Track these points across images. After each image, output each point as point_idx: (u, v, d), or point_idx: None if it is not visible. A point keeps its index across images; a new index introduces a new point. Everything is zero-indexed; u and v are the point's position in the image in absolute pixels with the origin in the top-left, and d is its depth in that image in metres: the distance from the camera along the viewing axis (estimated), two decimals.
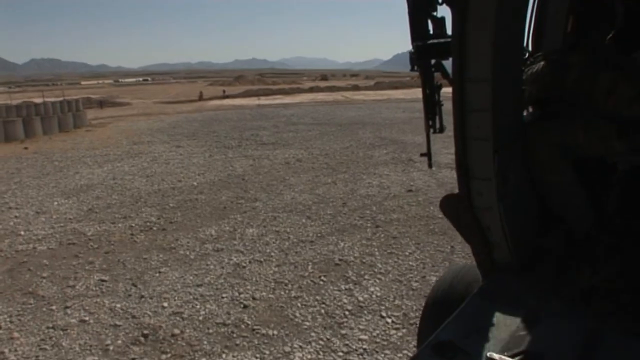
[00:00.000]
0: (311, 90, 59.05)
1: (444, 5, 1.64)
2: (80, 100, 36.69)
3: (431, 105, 1.91)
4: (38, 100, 36.28)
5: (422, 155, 2.20)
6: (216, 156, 19.43)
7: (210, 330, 6.77)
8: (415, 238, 9.83)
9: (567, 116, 1.90)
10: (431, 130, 1.95)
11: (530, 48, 2.39)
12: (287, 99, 46.41)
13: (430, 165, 2.19)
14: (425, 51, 1.81)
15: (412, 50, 1.82)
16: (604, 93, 1.80)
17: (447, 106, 1.68)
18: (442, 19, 1.81)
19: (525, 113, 2.06)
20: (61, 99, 35.18)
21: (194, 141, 24.08)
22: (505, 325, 1.62)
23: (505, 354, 1.55)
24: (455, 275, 2.39)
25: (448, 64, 1.75)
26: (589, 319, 1.66)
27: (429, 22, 1.81)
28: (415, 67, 1.86)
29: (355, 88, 59.47)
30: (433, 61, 1.84)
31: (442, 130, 1.94)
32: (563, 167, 1.92)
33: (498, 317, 1.65)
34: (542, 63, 2.03)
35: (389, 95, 46.33)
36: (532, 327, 1.63)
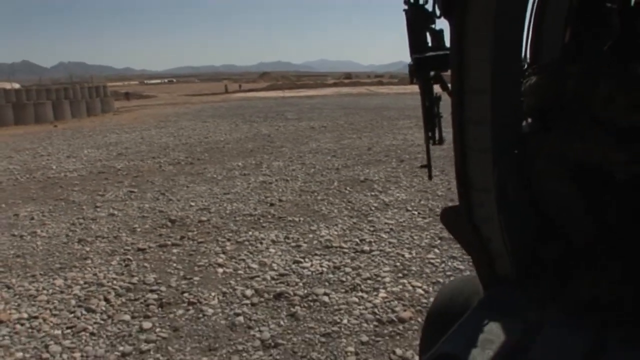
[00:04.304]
0: (335, 84, 59.19)
1: (442, 18, 1.70)
2: (107, 86, 37.31)
3: (430, 117, 1.96)
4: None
5: (422, 167, 2.25)
6: (242, 125, 19.57)
7: (237, 219, 6.83)
8: (439, 167, 9.74)
9: (566, 126, 1.93)
10: (430, 142, 2.00)
11: (528, 59, 2.43)
12: (312, 92, 46.48)
13: (430, 177, 2.23)
14: (424, 63, 1.86)
15: (411, 62, 1.88)
16: (602, 103, 1.83)
17: (448, 118, 1.75)
18: (441, 31, 1.86)
19: (524, 124, 2.10)
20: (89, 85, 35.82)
21: (220, 119, 24.25)
22: (507, 337, 1.64)
23: None
24: (456, 288, 2.42)
25: (447, 76, 1.80)
26: (591, 329, 1.67)
27: (428, 34, 1.87)
28: (415, 80, 1.92)
29: (380, 83, 59.52)
30: (432, 73, 1.89)
31: (441, 141, 1.98)
32: (562, 177, 1.94)
33: (500, 328, 1.67)
34: (540, 74, 2.07)
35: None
36: (534, 338, 1.65)
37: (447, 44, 1.72)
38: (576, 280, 1.91)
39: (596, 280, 1.89)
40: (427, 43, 1.88)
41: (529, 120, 2.15)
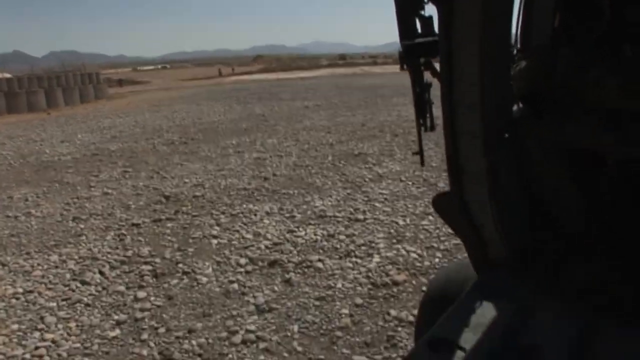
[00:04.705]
0: (329, 65, 58.97)
1: (431, 4, 1.64)
2: (100, 73, 37.05)
3: (421, 104, 1.90)
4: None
5: (414, 154, 2.19)
6: (236, 107, 19.50)
7: (231, 193, 6.82)
8: (434, 140, 9.72)
9: (556, 111, 1.87)
10: (422, 129, 1.94)
11: (518, 43, 2.37)
12: (306, 74, 46.32)
13: (422, 163, 2.17)
14: (414, 50, 1.80)
15: (401, 49, 1.82)
16: (591, 87, 1.78)
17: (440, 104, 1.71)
18: (430, 17, 1.81)
19: (514, 108, 2.04)
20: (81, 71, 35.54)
21: (214, 102, 24.15)
22: (500, 321, 1.61)
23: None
24: (450, 273, 2.39)
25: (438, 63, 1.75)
26: (584, 313, 1.64)
27: (417, 21, 1.80)
28: (405, 66, 1.86)
29: (374, 63, 59.28)
30: (422, 60, 1.83)
31: (433, 128, 1.93)
32: (554, 162, 1.90)
33: (492, 313, 1.64)
34: (530, 58, 2.02)
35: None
36: (527, 322, 1.62)
37: (437, 30, 1.70)
38: (569, 266, 1.91)
39: (589, 266, 1.89)
40: (417, 29, 1.86)
41: (520, 104, 2.14)
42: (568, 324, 1.61)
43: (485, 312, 1.67)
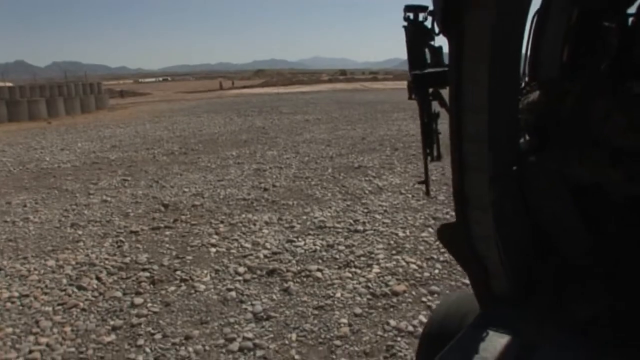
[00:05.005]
0: (330, 80, 59.21)
1: (441, 35, 1.68)
2: (102, 84, 37.16)
3: (429, 134, 1.93)
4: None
5: (419, 183, 2.21)
6: (236, 119, 19.54)
7: (231, 203, 6.80)
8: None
9: (563, 145, 1.90)
10: (429, 159, 1.98)
11: (527, 75, 2.41)
12: (306, 88, 46.48)
13: (427, 193, 2.19)
14: (423, 80, 1.84)
15: (410, 79, 1.86)
16: (599, 122, 1.81)
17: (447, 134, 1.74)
18: (440, 48, 1.85)
19: (521, 141, 2.08)
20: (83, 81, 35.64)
21: (214, 114, 24.20)
22: (503, 355, 1.62)
23: None
24: (451, 306, 2.40)
25: (446, 93, 1.79)
26: (588, 348, 1.65)
27: (427, 51, 1.85)
28: (413, 96, 1.90)
29: (374, 79, 59.59)
30: (431, 90, 1.88)
31: (439, 158, 1.96)
32: (559, 196, 1.92)
33: (495, 347, 1.65)
34: (538, 91, 2.06)
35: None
36: (531, 357, 1.64)
37: (446, 60, 1.71)
38: (574, 299, 1.89)
39: (594, 299, 1.87)
40: (426, 59, 1.87)
41: (527, 137, 2.13)
42: (573, 357, 1.59)
43: (489, 346, 1.65)
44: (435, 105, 1.85)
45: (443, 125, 1.74)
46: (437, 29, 1.70)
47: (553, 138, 1.92)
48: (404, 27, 1.83)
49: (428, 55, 1.84)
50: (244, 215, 6.16)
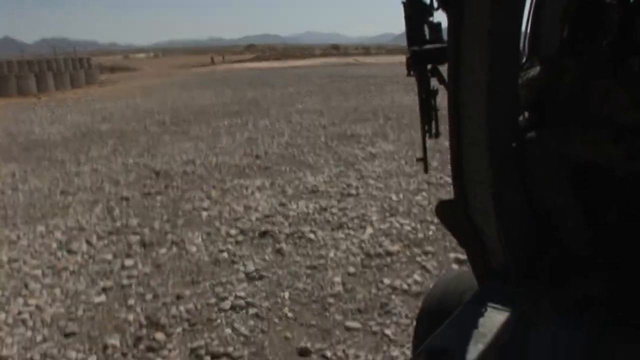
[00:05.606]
0: (323, 54, 58.66)
1: (440, 10, 1.58)
2: (92, 59, 36.64)
3: (427, 110, 1.83)
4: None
5: (418, 160, 2.12)
6: (228, 92, 19.33)
7: (222, 170, 6.74)
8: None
9: (563, 122, 1.81)
10: (427, 135, 1.87)
11: (526, 51, 2.31)
12: (299, 62, 46.05)
13: (426, 170, 2.09)
14: (422, 56, 1.74)
15: (409, 55, 1.76)
16: (598, 99, 1.71)
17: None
18: (438, 24, 1.75)
19: (520, 118, 1.98)
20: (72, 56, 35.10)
21: (206, 88, 23.96)
22: (501, 331, 1.54)
23: None
24: (450, 282, 2.32)
25: (445, 69, 1.70)
26: (585, 326, 1.58)
27: (426, 27, 1.74)
28: (412, 72, 1.80)
29: (367, 53, 59.08)
30: (429, 66, 1.77)
31: (437, 135, 1.86)
32: (558, 172, 1.83)
33: (493, 323, 1.59)
34: (537, 68, 1.95)
35: (402, 58, 45.49)
36: (528, 333, 1.60)
37: (445, 36, 1.67)
38: (572, 277, 1.87)
39: (592, 278, 1.84)
40: (425, 36, 1.82)
41: (526, 114, 2.09)
42: (569, 336, 1.58)
43: (487, 322, 1.62)
44: (434, 82, 1.81)
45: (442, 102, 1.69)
46: (436, 5, 1.66)
47: (551, 115, 1.89)
48: (403, 2, 1.79)
49: (427, 31, 1.80)
50: (235, 181, 6.09)
